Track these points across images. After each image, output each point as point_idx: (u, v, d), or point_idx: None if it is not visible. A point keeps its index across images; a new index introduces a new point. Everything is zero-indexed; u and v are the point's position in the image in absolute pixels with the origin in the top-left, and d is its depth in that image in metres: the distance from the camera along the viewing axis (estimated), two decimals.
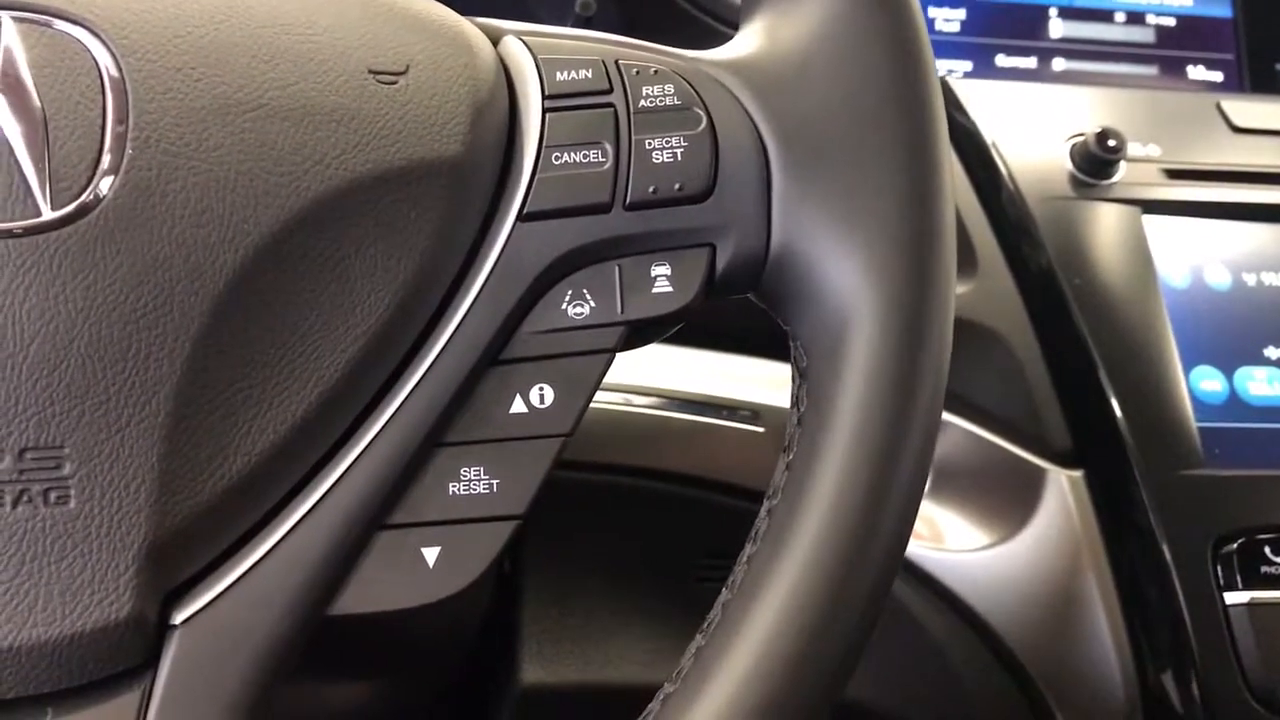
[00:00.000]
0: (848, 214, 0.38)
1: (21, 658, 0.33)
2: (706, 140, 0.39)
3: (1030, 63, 0.93)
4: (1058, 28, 0.94)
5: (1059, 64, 0.93)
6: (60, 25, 0.35)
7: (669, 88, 0.39)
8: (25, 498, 0.33)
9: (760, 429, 0.68)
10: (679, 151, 0.38)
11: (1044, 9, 0.94)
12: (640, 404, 0.69)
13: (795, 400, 0.39)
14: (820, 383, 0.38)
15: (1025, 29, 0.94)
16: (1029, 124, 0.78)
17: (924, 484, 0.38)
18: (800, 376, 0.39)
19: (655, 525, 0.71)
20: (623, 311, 0.38)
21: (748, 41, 0.42)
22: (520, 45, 0.40)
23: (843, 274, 0.38)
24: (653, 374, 0.70)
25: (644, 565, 0.72)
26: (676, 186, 0.38)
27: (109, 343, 0.33)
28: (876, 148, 0.38)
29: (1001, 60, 0.93)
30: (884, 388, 0.37)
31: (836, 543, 0.36)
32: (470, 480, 0.37)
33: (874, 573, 0.36)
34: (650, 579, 0.72)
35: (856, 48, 0.39)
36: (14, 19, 0.35)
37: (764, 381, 0.71)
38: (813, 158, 0.39)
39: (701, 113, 0.39)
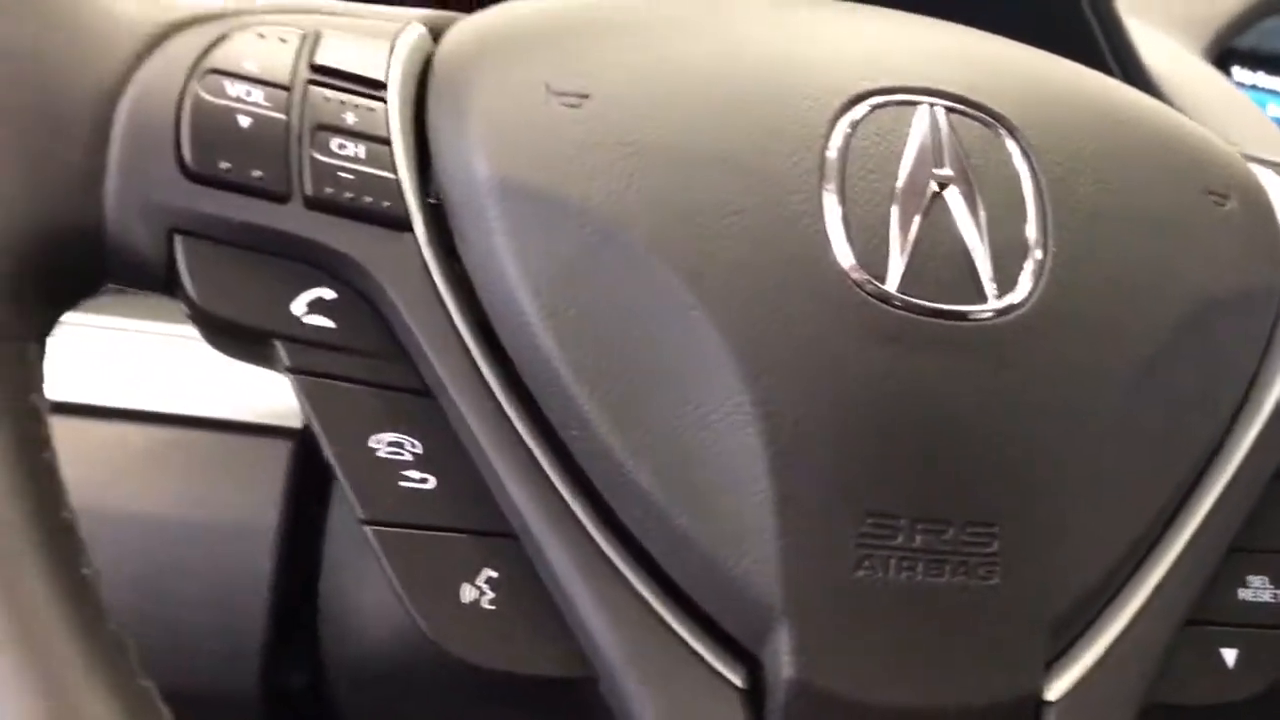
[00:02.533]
0: None
1: None
2: None
3: None
4: None
5: None
6: (980, 117, 0.37)
7: None
8: (962, 569, 0.35)
9: None
10: None
11: None
12: None
13: None
14: None
15: None
16: None
17: None
18: None
19: None
20: None
21: None
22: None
23: None
24: None
25: None
26: None
27: (1031, 434, 0.36)
28: None
29: None
30: None
31: None
32: (1257, 587, 0.38)
33: None
34: None
35: None
36: (946, 109, 0.37)
37: None
38: None
39: None
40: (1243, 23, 0.85)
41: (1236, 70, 0.99)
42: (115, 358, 0.55)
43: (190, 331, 0.58)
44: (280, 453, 0.55)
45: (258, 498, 0.55)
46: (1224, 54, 0.86)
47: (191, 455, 0.55)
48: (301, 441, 0.55)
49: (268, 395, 0.56)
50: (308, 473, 0.55)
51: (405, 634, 0.52)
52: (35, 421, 0.30)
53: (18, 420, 0.29)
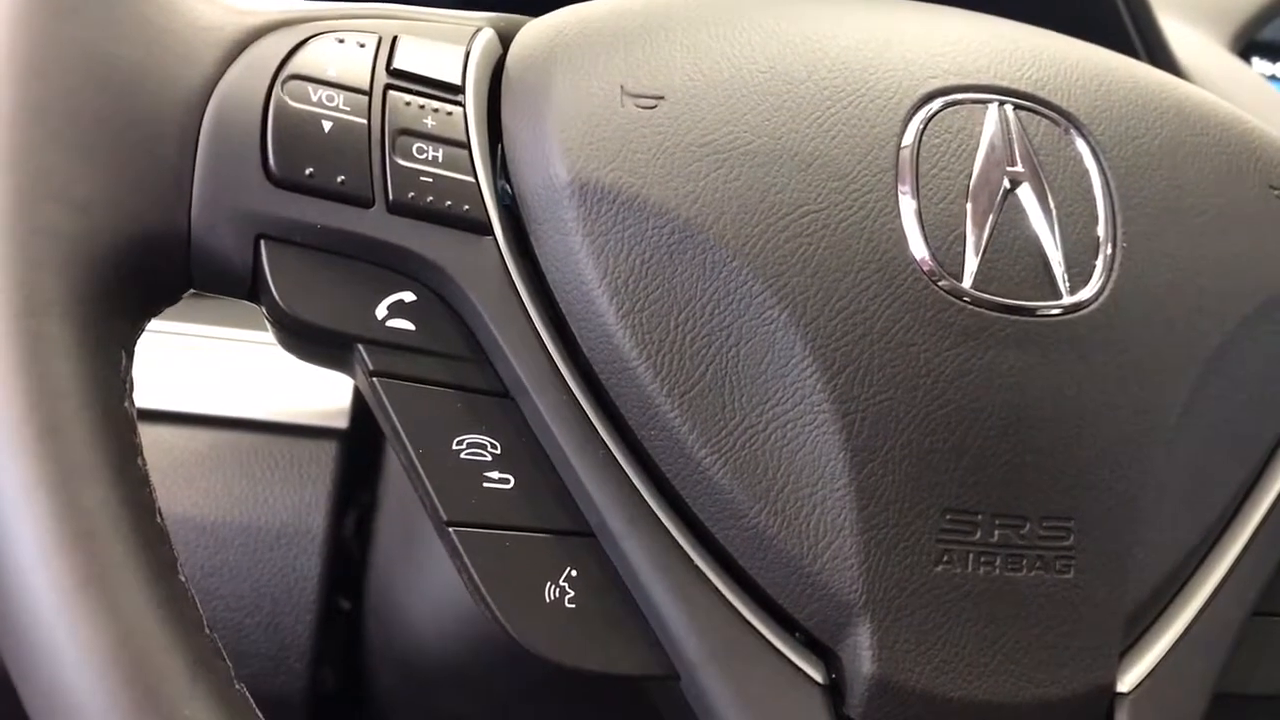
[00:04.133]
0: None
1: (1003, 715, 0.35)
2: None
3: None
4: None
5: None
6: (1049, 114, 0.38)
7: None
8: (1039, 564, 0.35)
9: None
10: None
11: None
12: None
13: None
14: None
15: None
16: None
17: None
18: None
19: None
20: None
21: None
22: None
23: None
24: None
25: None
26: None
27: (1102, 428, 0.36)
28: None
29: None
30: None
31: None
32: None
33: None
34: None
35: None
36: (1014, 107, 0.37)
37: None
38: None
39: None
40: (1268, 15, 0.85)
41: (1257, 61, 0.99)
42: (157, 363, 0.55)
43: (229, 334, 0.58)
44: (326, 453, 0.56)
45: (304, 499, 0.55)
46: (1245, 45, 0.87)
47: (236, 457, 0.55)
48: (347, 442, 0.55)
49: (311, 396, 0.56)
50: (354, 473, 0.55)
51: (457, 631, 0.52)
52: (131, 431, 0.30)
53: (121, 430, 0.29)
